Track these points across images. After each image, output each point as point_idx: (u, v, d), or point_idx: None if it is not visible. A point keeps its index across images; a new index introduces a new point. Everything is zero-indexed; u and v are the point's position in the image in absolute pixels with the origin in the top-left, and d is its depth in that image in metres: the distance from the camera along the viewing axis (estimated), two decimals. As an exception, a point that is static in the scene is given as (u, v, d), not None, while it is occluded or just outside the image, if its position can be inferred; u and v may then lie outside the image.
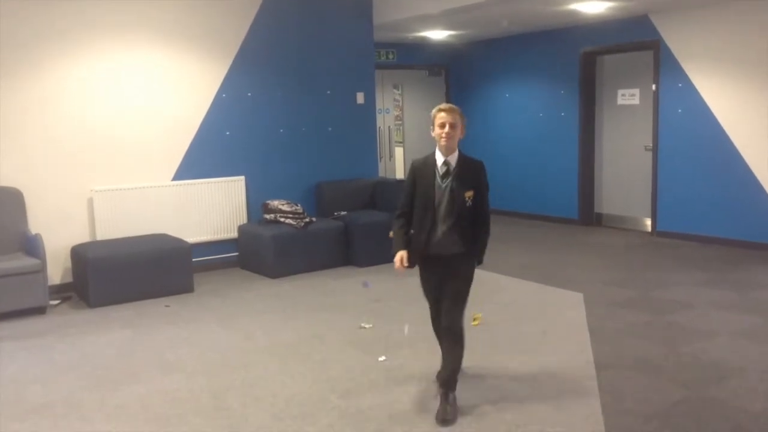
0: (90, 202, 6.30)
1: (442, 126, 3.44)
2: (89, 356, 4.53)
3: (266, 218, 6.90)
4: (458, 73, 10.63)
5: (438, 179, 3.49)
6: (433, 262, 3.55)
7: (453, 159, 3.50)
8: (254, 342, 4.73)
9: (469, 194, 3.48)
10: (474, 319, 4.94)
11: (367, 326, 4.94)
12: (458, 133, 3.48)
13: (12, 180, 5.88)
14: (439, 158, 3.51)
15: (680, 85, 7.67)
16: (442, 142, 3.46)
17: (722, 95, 7.34)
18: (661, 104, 7.90)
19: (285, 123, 7.36)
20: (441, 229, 3.49)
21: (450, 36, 9.36)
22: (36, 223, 5.95)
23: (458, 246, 3.50)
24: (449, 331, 3.53)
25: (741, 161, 7.21)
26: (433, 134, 3.51)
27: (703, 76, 7.48)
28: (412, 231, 3.57)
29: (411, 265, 3.56)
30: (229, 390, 3.88)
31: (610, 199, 8.91)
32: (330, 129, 7.66)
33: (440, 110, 3.48)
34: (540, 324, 4.93)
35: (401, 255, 3.56)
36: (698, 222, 7.64)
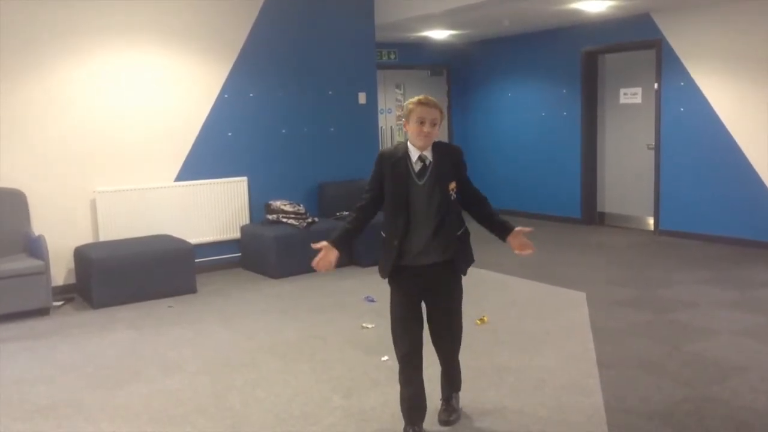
0: (93, 203, 6.32)
1: (422, 123, 3.02)
2: (92, 357, 4.54)
3: (269, 219, 6.91)
4: (460, 73, 10.63)
5: (414, 177, 3.07)
6: (411, 275, 3.11)
7: (428, 152, 3.09)
8: (257, 342, 4.74)
9: (452, 186, 3.09)
10: (480, 320, 4.94)
11: (369, 326, 4.94)
12: (437, 132, 3.08)
13: (15, 181, 5.89)
14: (413, 153, 3.08)
15: (682, 83, 7.66)
16: (419, 142, 3.06)
17: (725, 94, 7.33)
18: (663, 103, 7.89)
19: (287, 123, 7.37)
20: (421, 234, 3.07)
21: (451, 36, 9.36)
22: (39, 225, 5.96)
23: (442, 252, 3.10)
24: (453, 359, 3.36)
25: (744, 160, 7.20)
26: (406, 128, 3.10)
27: (705, 74, 7.47)
28: (383, 234, 3.16)
29: (386, 275, 3.14)
30: (231, 390, 3.89)
31: (613, 198, 8.91)
32: (332, 129, 7.67)
33: (420, 103, 3.03)
34: (542, 323, 4.92)
35: (325, 245, 3.11)
36: (701, 221, 7.63)
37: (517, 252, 3.21)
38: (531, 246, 3.20)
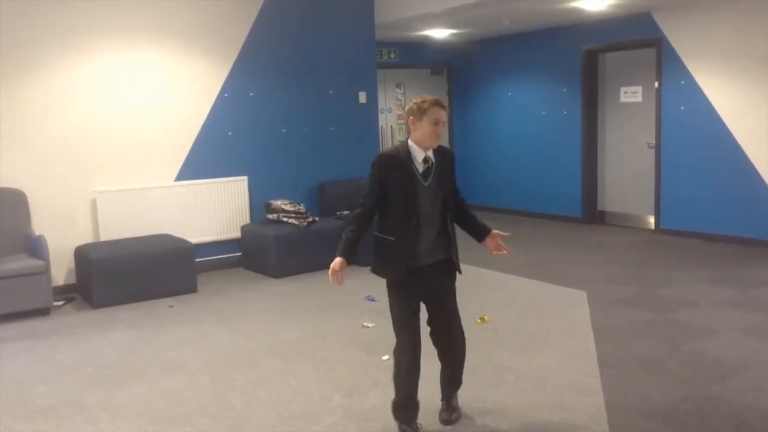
0: (93, 203, 6.32)
1: (437, 123, 3.06)
2: (93, 357, 4.54)
3: (269, 218, 6.91)
4: (460, 72, 10.62)
5: (420, 178, 3.09)
6: (413, 275, 3.10)
7: (430, 153, 3.13)
8: (257, 342, 4.74)
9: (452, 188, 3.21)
10: (480, 319, 4.94)
11: (369, 325, 4.94)
12: None
13: (15, 181, 5.89)
14: (418, 153, 3.09)
15: (683, 82, 7.65)
16: (430, 143, 3.09)
17: (725, 92, 7.32)
18: (663, 102, 7.88)
19: (287, 123, 7.37)
20: (427, 234, 3.10)
21: (452, 35, 9.35)
22: (39, 225, 5.96)
23: (443, 252, 3.16)
24: (458, 358, 3.34)
25: (744, 158, 7.19)
26: (413, 125, 3.09)
27: (705, 73, 7.46)
28: (391, 238, 3.09)
29: (394, 279, 3.14)
30: (232, 390, 3.89)
31: (613, 197, 8.90)
32: (332, 128, 7.67)
33: (437, 104, 3.07)
34: (543, 322, 4.92)
35: (339, 263, 3.08)
36: (702, 219, 7.63)
37: (494, 252, 3.35)
38: (506, 248, 3.33)
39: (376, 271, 3.22)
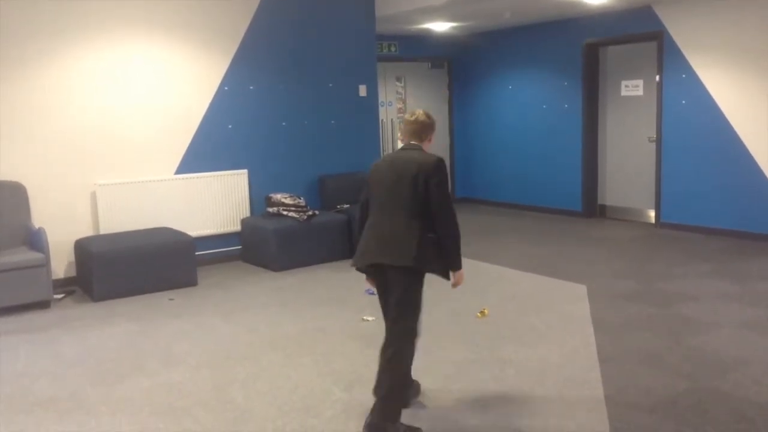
0: (93, 195, 6.31)
1: None
2: (93, 350, 4.55)
3: (269, 211, 6.90)
4: (461, 66, 10.59)
5: None
6: None
7: None
8: (258, 335, 4.74)
9: None
10: (480, 313, 4.94)
11: (369, 319, 4.94)
12: None
13: (15, 174, 5.88)
14: None
15: (684, 76, 7.63)
16: None
17: (726, 86, 7.31)
18: (664, 95, 7.87)
19: (287, 116, 7.36)
20: None
21: (453, 28, 9.33)
22: (39, 217, 5.96)
23: None
24: None
25: (745, 152, 7.19)
26: (431, 141, 3.50)
27: (707, 67, 7.45)
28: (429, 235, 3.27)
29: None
30: (232, 383, 3.90)
31: (614, 190, 8.89)
32: (333, 122, 7.65)
33: None
34: (543, 316, 4.92)
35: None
36: (702, 213, 7.63)
37: None
38: None
39: (439, 270, 3.27)
